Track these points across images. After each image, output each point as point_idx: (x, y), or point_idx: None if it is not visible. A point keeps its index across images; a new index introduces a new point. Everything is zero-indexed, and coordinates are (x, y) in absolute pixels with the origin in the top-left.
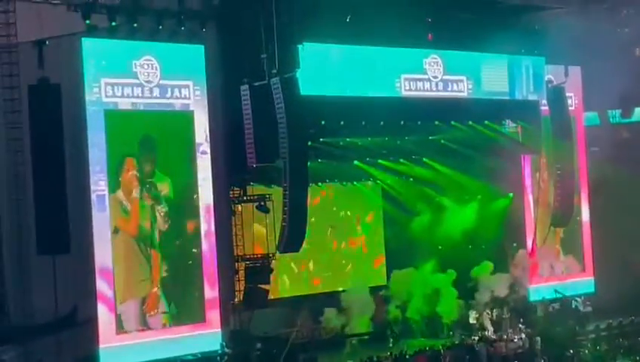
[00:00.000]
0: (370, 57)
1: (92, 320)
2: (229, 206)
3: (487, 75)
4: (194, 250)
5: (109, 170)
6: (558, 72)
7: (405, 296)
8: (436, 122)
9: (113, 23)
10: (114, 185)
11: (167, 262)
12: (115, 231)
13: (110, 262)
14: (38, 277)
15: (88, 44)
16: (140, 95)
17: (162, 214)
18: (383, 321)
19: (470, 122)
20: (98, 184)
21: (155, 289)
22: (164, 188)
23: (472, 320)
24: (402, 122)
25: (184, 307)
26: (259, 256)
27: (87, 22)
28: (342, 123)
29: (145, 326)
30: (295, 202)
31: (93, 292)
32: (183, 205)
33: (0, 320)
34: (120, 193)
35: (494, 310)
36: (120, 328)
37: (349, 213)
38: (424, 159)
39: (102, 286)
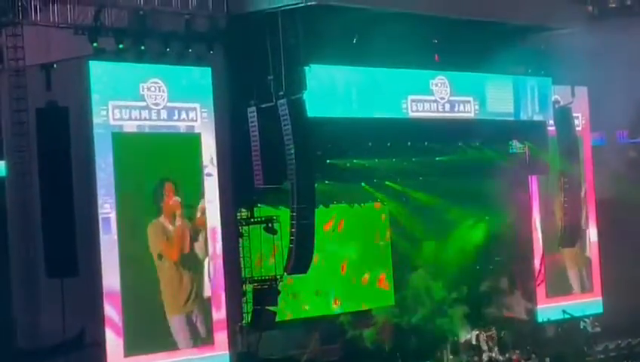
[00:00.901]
0: (376, 79)
1: (100, 344)
2: (237, 227)
3: (493, 95)
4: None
5: (144, 194)
6: (564, 92)
7: (413, 315)
8: (443, 143)
9: (120, 46)
10: (155, 210)
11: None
12: (159, 257)
13: (118, 285)
14: (46, 300)
15: (96, 67)
16: (148, 118)
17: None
18: (390, 340)
19: (477, 143)
20: (104, 207)
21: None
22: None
23: (474, 341)
24: (409, 143)
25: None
26: (266, 277)
27: (95, 44)
28: (348, 145)
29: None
30: (302, 224)
31: (101, 316)
32: (194, 228)
33: (8, 343)
34: (163, 219)
35: (502, 331)
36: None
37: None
38: (431, 180)
39: (109, 309)
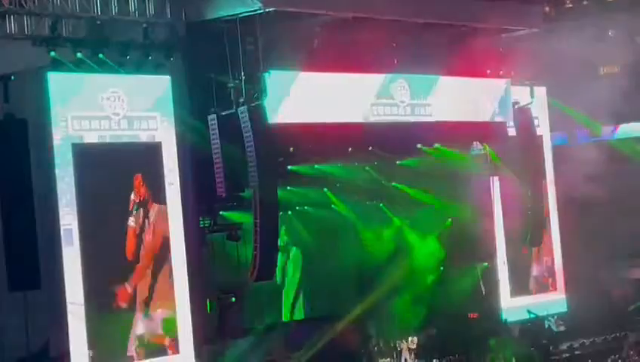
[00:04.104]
0: (337, 83)
1: (64, 356)
2: (199, 236)
3: (453, 98)
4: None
5: (105, 204)
6: (524, 93)
7: (376, 319)
8: (404, 147)
9: (78, 55)
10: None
11: None
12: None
13: (82, 296)
14: (10, 313)
15: (54, 78)
16: (107, 127)
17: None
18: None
19: (438, 145)
20: (65, 218)
21: None
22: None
23: (398, 347)
24: (370, 148)
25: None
26: (231, 285)
27: (53, 54)
28: (310, 150)
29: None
30: (266, 231)
31: (65, 328)
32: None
33: None
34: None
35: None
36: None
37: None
38: (393, 184)
39: (73, 320)
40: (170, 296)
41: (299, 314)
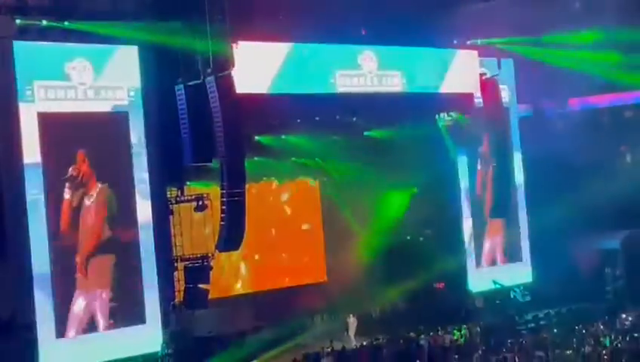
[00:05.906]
0: (304, 54)
1: (30, 327)
2: (167, 206)
3: (420, 69)
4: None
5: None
6: (491, 64)
7: (344, 290)
8: (371, 117)
9: (44, 23)
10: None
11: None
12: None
13: (48, 267)
14: None
15: (20, 47)
16: (74, 97)
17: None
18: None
19: (405, 116)
20: (31, 189)
21: None
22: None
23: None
24: (337, 118)
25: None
26: (198, 255)
27: (18, 22)
28: (277, 121)
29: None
30: (233, 201)
31: (31, 299)
32: (121, 207)
33: None
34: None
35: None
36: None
37: (288, 209)
38: (360, 154)
39: (40, 291)
40: (130, 272)
41: (264, 285)
